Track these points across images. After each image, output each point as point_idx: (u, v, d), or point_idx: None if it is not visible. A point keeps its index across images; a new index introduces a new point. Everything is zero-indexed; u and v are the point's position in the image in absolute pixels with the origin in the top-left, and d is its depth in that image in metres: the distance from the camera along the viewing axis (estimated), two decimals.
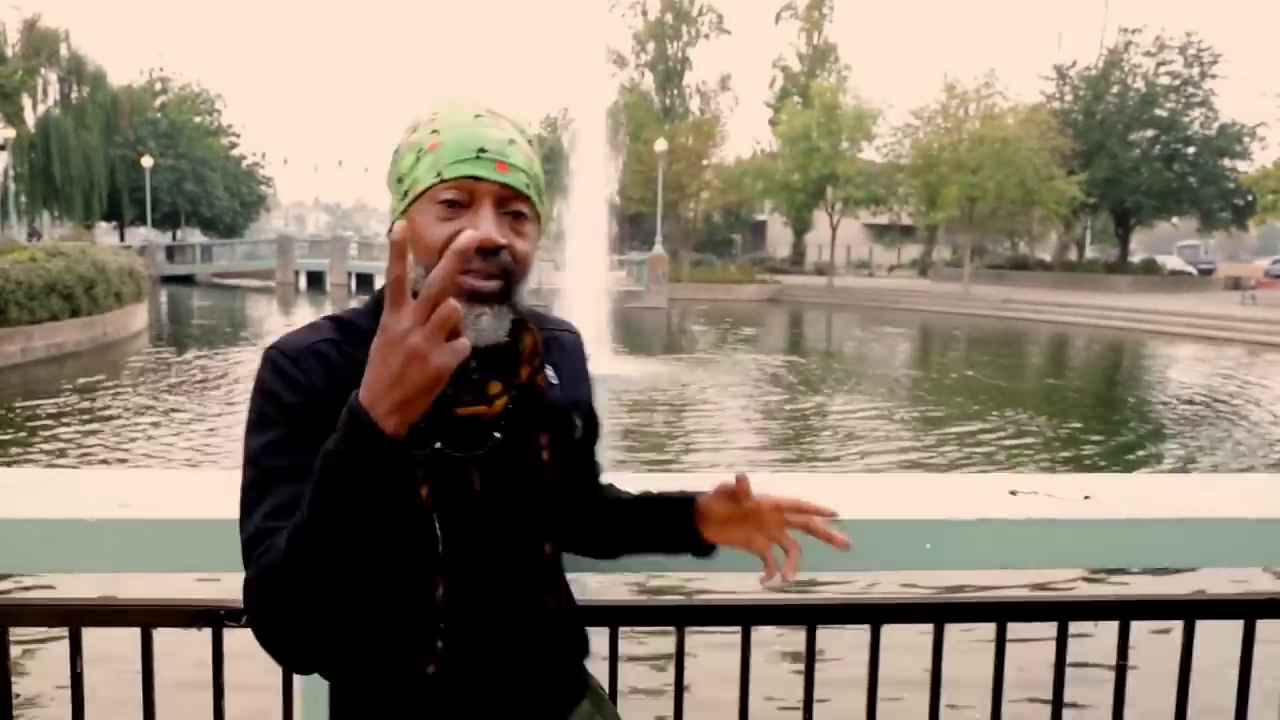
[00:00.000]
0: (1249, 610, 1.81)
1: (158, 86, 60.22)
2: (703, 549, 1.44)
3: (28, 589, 4.38)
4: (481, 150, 1.17)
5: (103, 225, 54.30)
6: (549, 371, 1.31)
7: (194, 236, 58.10)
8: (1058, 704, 1.79)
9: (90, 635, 1.67)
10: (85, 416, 12.52)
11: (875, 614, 1.74)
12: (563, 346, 1.41)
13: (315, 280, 49.19)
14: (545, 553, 1.32)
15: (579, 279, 22.08)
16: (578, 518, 1.47)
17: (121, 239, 51.50)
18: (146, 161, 49.61)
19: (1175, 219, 49.03)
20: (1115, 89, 45.16)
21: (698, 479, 1.49)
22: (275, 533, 1.09)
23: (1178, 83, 44.10)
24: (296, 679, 1.67)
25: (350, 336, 1.21)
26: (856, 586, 4.03)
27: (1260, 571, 4.14)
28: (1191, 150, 44.31)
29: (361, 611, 1.09)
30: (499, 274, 1.17)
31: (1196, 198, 44.14)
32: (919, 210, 42.68)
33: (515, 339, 1.22)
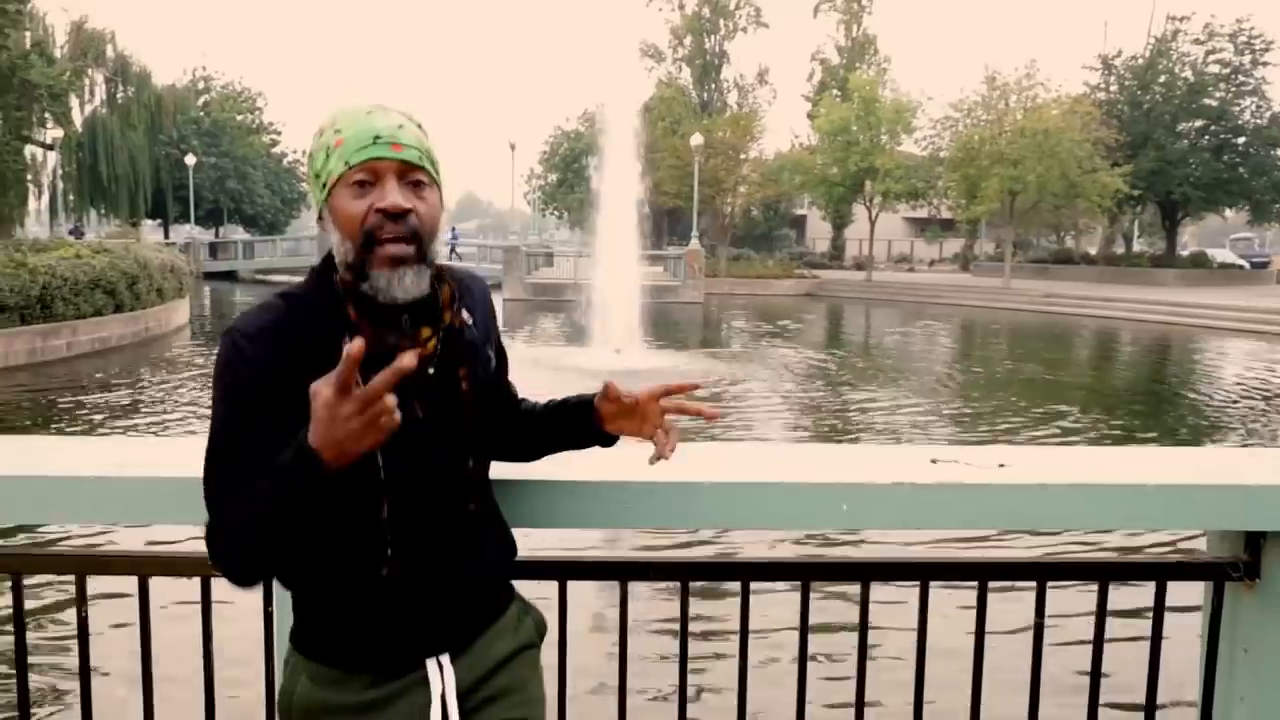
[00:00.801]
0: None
1: (200, 86, 61.25)
2: (606, 440, 1.68)
3: (40, 544, 4.58)
4: (377, 137, 1.39)
5: (148, 223, 55.34)
6: (465, 315, 1.53)
7: (236, 233, 59.05)
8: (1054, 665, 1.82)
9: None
10: (125, 406, 12.85)
11: (866, 571, 1.80)
12: (473, 292, 1.59)
13: None
14: (468, 468, 1.54)
15: (612, 274, 22.15)
16: (501, 433, 1.70)
17: (166, 236, 52.45)
18: (190, 160, 50.51)
19: (1226, 211, 48.00)
20: (1163, 78, 44.27)
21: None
22: (232, 494, 1.35)
23: (1228, 71, 43.14)
24: (276, 624, 1.82)
25: (298, 310, 1.44)
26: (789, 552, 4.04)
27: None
28: (1241, 140, 43.33)
29: (318, 541, 1.36)
30: (410, 237, 1.40)
31: (1246, 189, 43.18)
32: (958, 204, 42.22)
33: (435, 291, 1.46)
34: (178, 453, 1.95)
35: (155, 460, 1.89)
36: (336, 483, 1.28)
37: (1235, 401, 15.13)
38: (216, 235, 58.50)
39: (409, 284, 1.40)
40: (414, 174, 1.41)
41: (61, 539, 6.06)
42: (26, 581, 1.84)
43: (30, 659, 1.87)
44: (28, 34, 34.30)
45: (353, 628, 1.48)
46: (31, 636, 3.90)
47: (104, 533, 5.61)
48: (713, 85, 57.31)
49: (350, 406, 1.20)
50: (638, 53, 57.60)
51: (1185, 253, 49.53)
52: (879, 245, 49.87)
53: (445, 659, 1.51)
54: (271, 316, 1.43)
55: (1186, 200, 44.16)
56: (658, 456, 1.60)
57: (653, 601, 4.65)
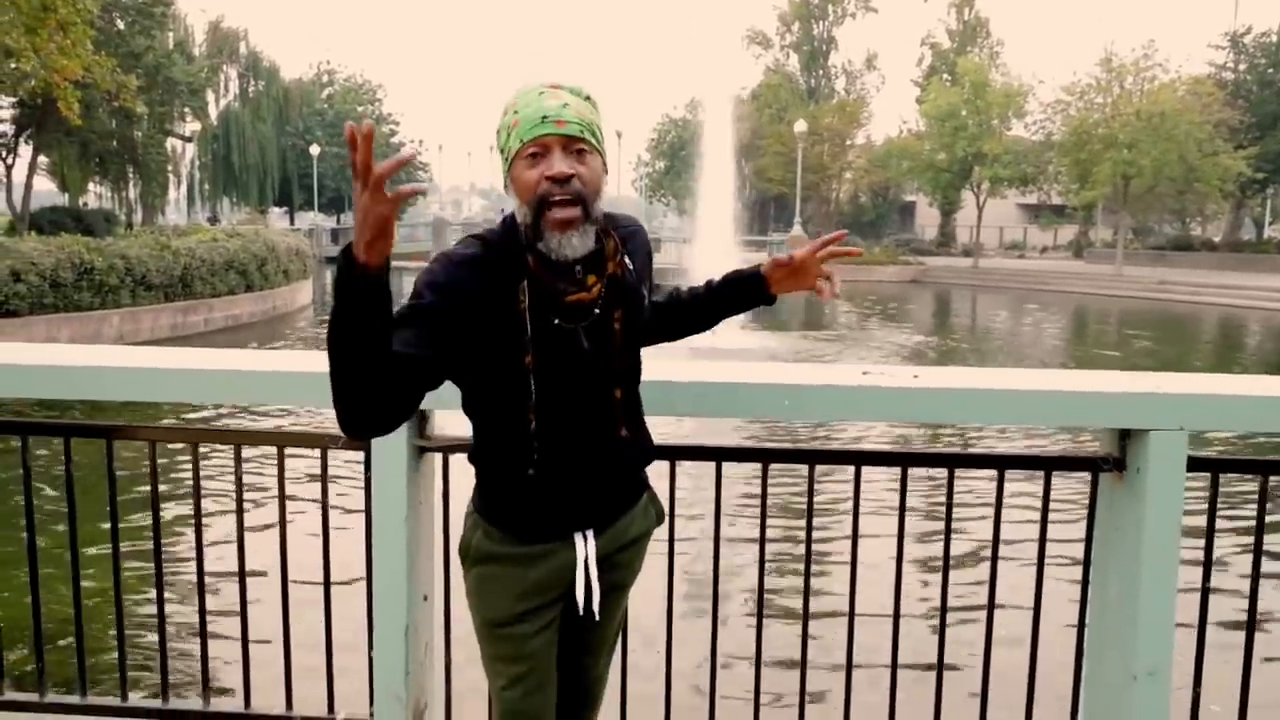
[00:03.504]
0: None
1: (325, 79, 63.88)
2: (769, 301, 2.08)
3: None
4: (544, 117, 1.69)
5: (275, 210, 58.19)
6: (627, 260, 1.86)
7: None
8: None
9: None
10: None
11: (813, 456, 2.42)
12: (636, 238, 1.93)
13: None
14: (615, 396, 1.85)
15: (710, 258, 22.72)
16: (666, 327, 2.10)
17: (291, 223, 55.15)
18: (314, 150, 53.01)
19: None
20: None
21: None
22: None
23: None
24: (375, 489, 2.47)
25: (490, 252, 1.75)
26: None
27: None
28: None
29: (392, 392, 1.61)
30: (575, 199, 1.69)
31: None
32: (1069, 189, 41.23)
33: (601, 244, 1.78)
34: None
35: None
36: (373, 288, 1.48)
37: None
38: (338, 222, 61.03)
39: (576, 244, 1.70)
40: (576, 144, 1.69)
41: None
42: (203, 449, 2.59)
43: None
44: (170, 34, 36.65)
45: (513, 505, 1.86)
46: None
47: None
48: (820, 71, 57.07)
49: (361, 191, 1.45)
50: (745, 40, 57.78)
51: None
52: (991, 232, 48.99)
53: (590, 533, 1.88)
54: (470, 253, 1.75)
55: None
56: (830, 295, 2.00)
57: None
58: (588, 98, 1.76)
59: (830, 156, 47.54)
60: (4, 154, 30.49)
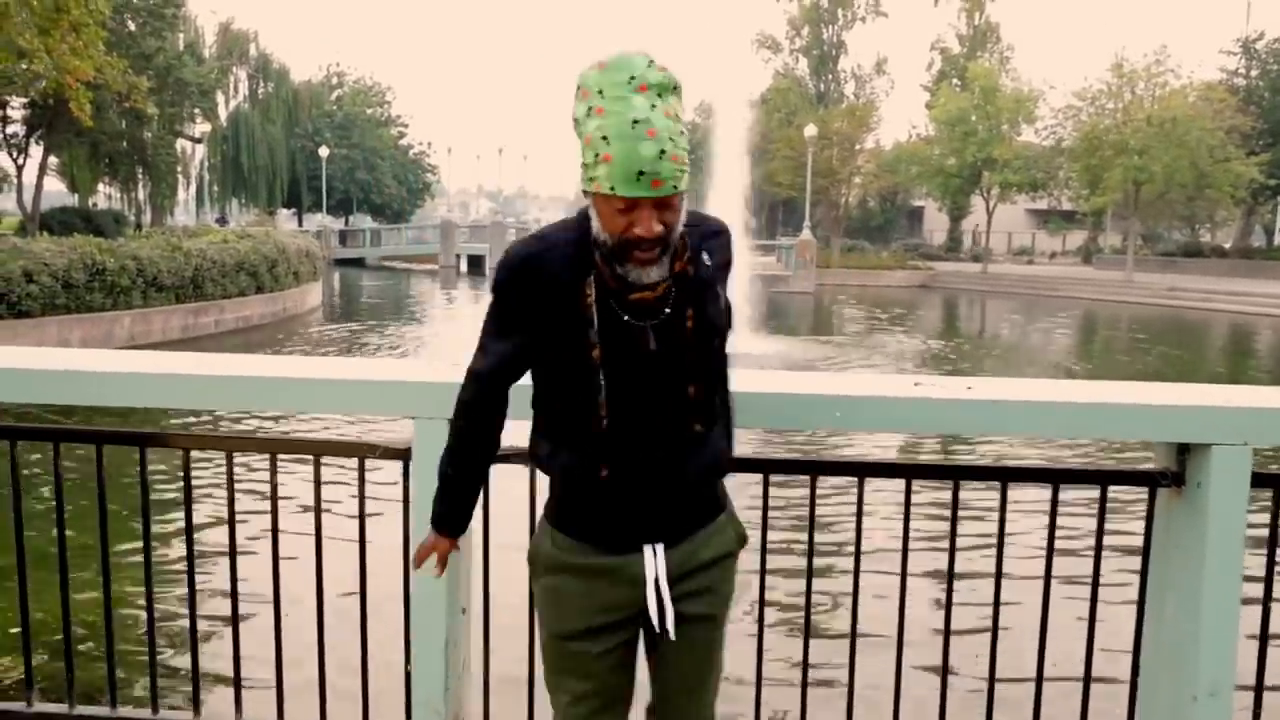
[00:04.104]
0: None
1: (334, 81, 63.95)
2: None
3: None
4: (640, 173, 1.62)
5: (283, 211, 58.26)
6: (704, 257, 1.82)
7: (364, 222, 61.48)
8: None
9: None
10: None
11: (861, 469, 2.36)
12: (717, 237, 1.88)
13: (475, 264, 51.42)
14: (690, 393, 1.80)
15: None
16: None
17: (300, 224, 55.23)
18: (323, 152, 53.04)
19: None
20: None
21: None
22: (472, 380, 1.90)
23: None
24: (412, 499, 2.42)
25: (560, 248, 1.78)
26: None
27: None
28: None
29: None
30: (659, 250, 1.70)
31: None
32: (1080, 195, 41.10)
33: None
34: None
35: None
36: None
37: None
38: (346, 223, 61.09)
39: (653, 276, 1.71)
40: (667, 199, 1.67)
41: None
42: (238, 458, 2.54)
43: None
44: (181, 36, 36.72)
45: (583, 512, 1.85)
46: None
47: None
48: (829, 76, 56.93)
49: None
50: (755, 44, 57.72)
51: None
52: (999, 237, 48.85)
53: (660, 548, 1.83)
54: (537, 248, 1.79)
55: None
56: None
57: None
58: (675, 88, 1.67)
59: (840, 161, 47.32)
60: (15, 155, 30.54)
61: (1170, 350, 21.05)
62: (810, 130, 40.89)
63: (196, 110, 38.47)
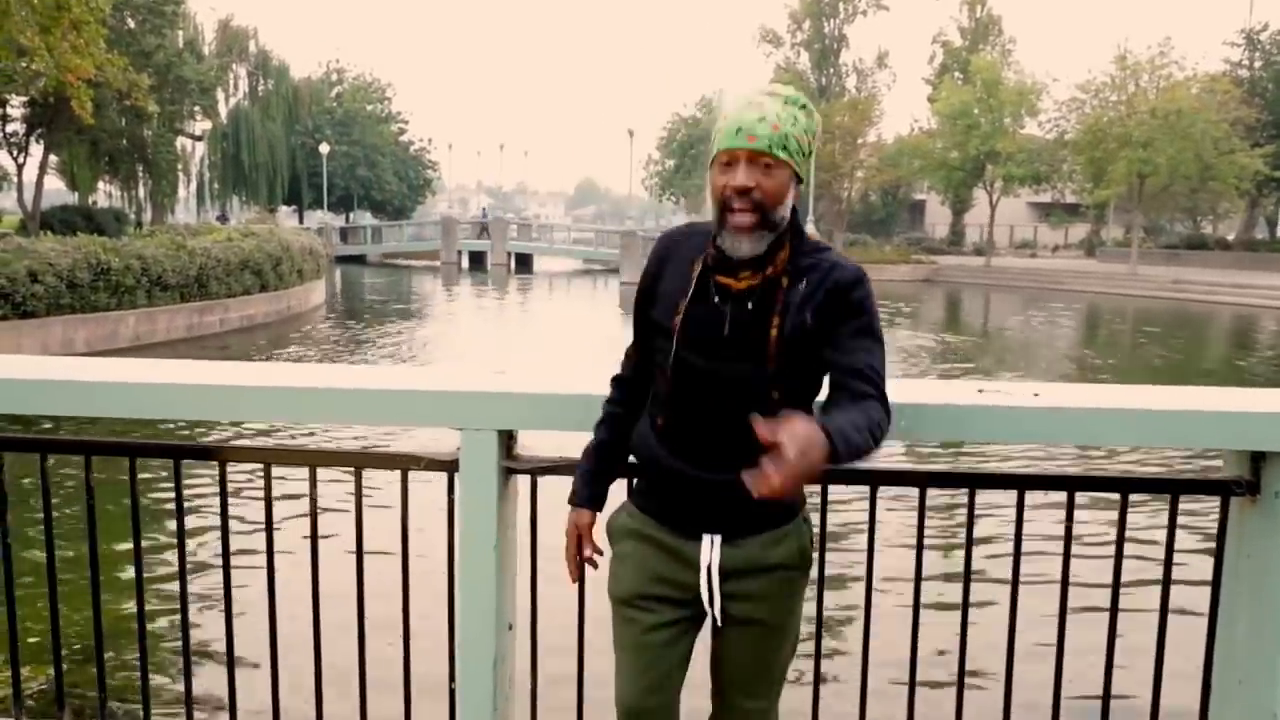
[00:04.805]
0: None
1: (334, 78, 63.73)
2: None
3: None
4: (739, 129, 1.81)
5: (284, 209, 58.10)
6: (802, 284, 1.86)
7: (365, 219, 61.41)
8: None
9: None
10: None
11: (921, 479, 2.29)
12: (829, 275, 1.87)
13: (477, 260, 51.33)
14: (772, 397, 1.83)
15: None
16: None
17: (300, 221, 55.05)
18: (324, 149, 52.93)
19: None
20: None
21: None
22: (620, 375, 2.12)
23: None
24: (458, 511, 2.34)
25: (692, 235, 2.00)
26: None
27: None
28: None
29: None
30: (754, 208, 1.81)
31: None
32: (1083, 188, 40.98)
33: (771, 251, 1.86)
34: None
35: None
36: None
37: None
38: (347, 221, 60.97)
39: (745, 249, 1.83)
40: (764, 158, 1.80)
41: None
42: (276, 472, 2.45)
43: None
44: (181, 33, 36.57)
45: (651, 488, 2.03)
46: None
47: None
48: (831, 69, 56.79)
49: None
50: (756, 38, 57.58)
51: None
52: (1002, 231, 48.73)
53: (717, 539, 1.93)
54: (680, 232, 2.04)
55: None
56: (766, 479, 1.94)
57: None
58: (804, 106, 1.86)
59: (842, 155, 47.25)
60: (15, 153, 30.42)
61: (1187, 344, 20.96)
62: None
63: (197, 108, 38.37)
